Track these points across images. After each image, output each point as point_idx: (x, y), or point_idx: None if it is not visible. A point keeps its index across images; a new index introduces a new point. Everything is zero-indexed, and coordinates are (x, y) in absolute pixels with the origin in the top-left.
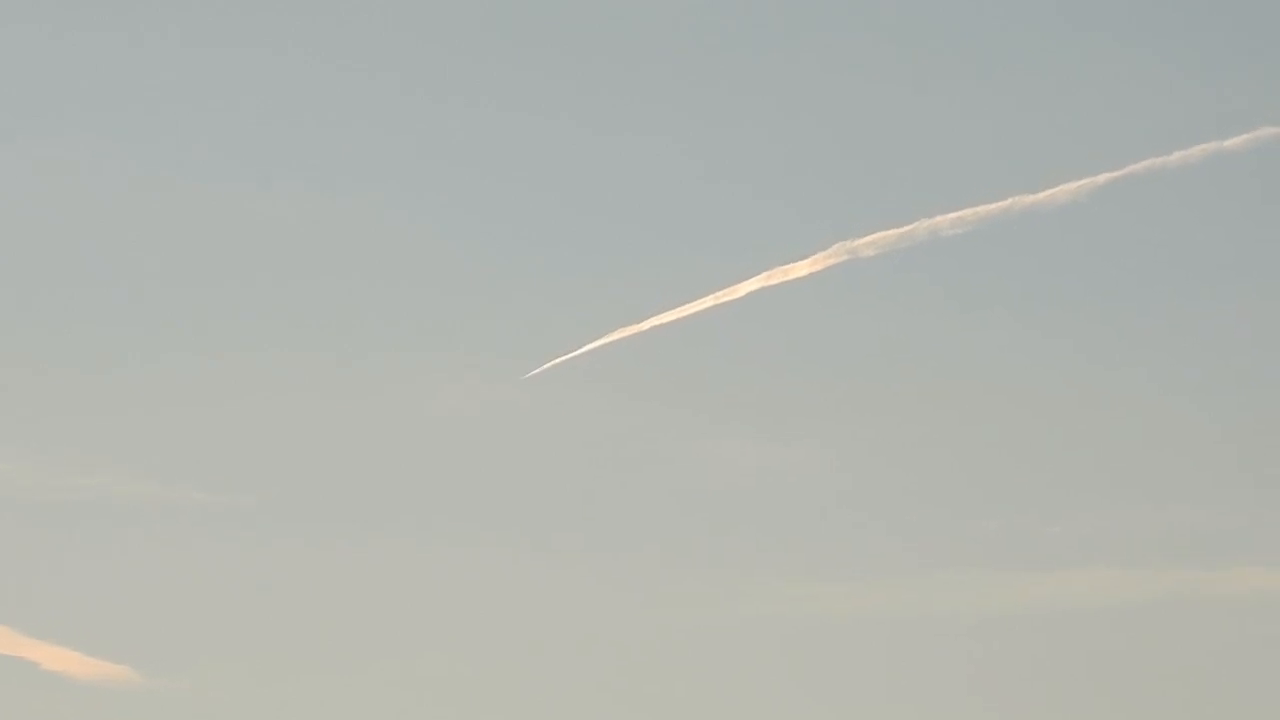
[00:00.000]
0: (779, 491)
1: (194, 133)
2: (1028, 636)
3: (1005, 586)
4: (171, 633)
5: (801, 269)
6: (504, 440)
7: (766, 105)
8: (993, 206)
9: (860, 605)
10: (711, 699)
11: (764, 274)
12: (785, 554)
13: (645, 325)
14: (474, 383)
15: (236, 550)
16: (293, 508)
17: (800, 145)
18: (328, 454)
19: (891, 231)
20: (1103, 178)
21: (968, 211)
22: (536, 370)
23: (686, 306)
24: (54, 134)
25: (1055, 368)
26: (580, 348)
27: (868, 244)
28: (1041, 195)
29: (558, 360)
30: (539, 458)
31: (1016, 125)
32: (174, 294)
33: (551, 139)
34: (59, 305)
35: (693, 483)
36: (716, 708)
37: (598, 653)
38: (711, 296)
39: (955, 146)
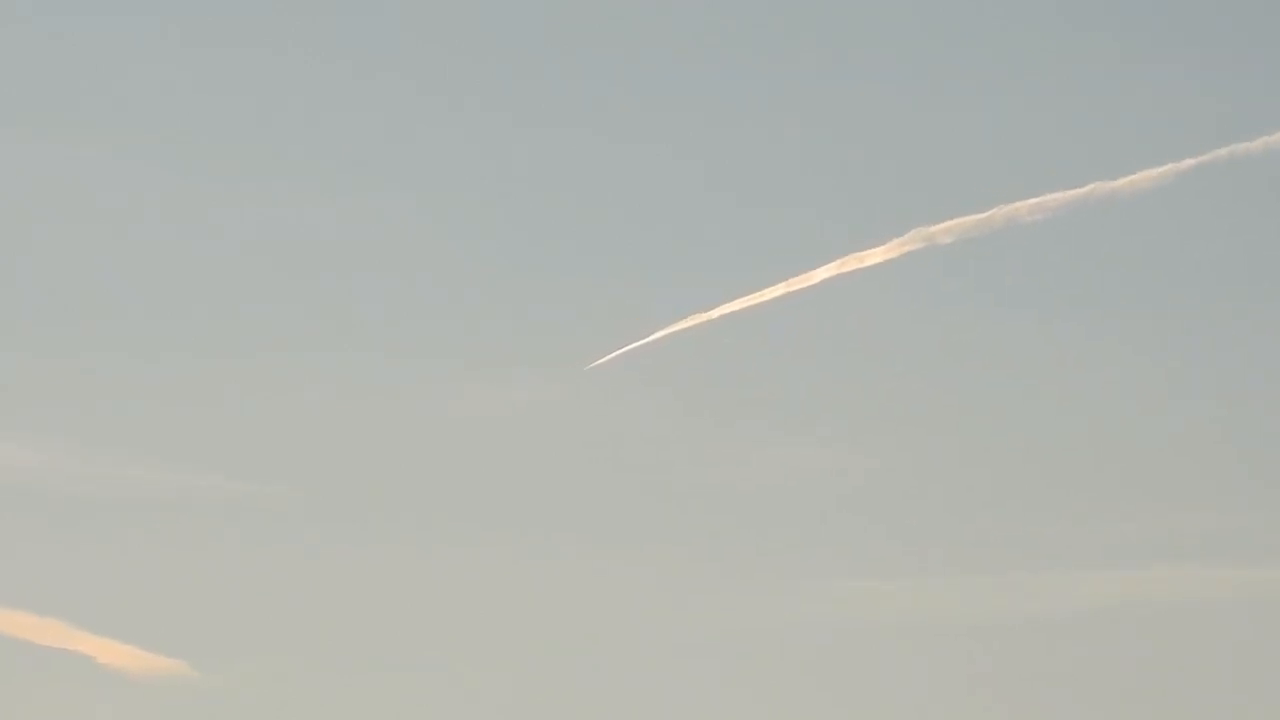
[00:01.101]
0: (839, 495)
1: (219, 132)
2: (1065, 638)
3: (1053, 587)
4: (223, 627)
5: (877, 255)
6: (543, 440)
7: (841, 89)
8: (1071, 193)
9: (908, 606)
10: (747, 700)
11: (839, 260)
12: (837, 556)
13: (715, 314)
14: (511, 381)
15: (281, 545)
16: (334, 504)
17: (878, 130)
18: (367, 451)
19: (968, 218)
20: (1186, 163)
21: (1048, 198)
22: (593, 364)
23: (756, 295)
24: (59, 131)
25: (1128, 365)
26: (643, 339)
27: (945, 230)
28: (1122, 182)
29: (619, 351)
30: (582, 458)
31: (1097, 109)
32: (207, 292)
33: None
34: (99, 301)
35: (740, 486)
36: (752, 708)
37: (630, 654)
38: (783, 284)
39: (1036, 131)
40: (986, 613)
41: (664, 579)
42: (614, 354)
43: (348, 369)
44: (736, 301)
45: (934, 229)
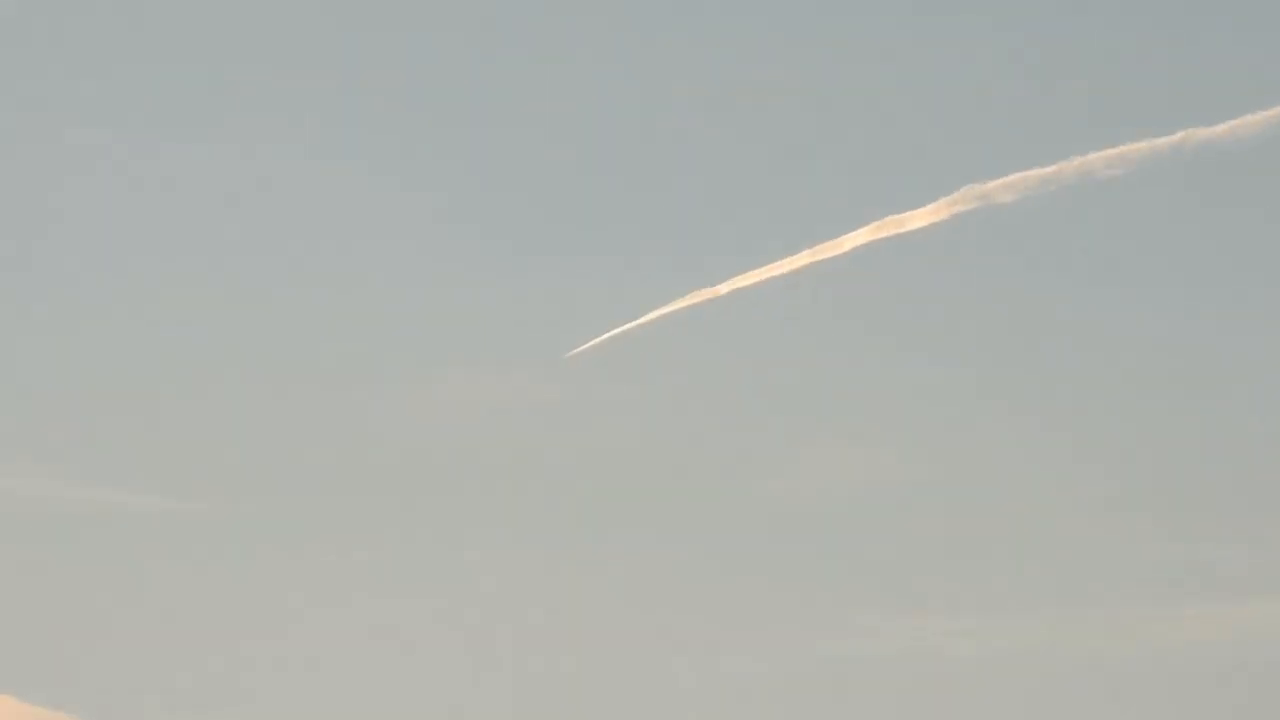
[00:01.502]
0: (891, 510)
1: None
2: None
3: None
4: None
5: (919, 219)
6: (535, 438)
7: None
8: (1159, 142)
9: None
10: None
11: (874, 224)
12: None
13: (722, 289)
14: (500, 371)
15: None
16: (305, 506)
17: (917, 69)
18: (345, 450)
19: (1033, 172)
20: None
21: (1126, 148)
22: (576, 350)
23: (773, 266)
24: None
25: (1242, 349)
26: (639, 318)
27: (1003, 188)
28: (1220, 128)
29: (608, 335)
30: (577, 456)
31: (1187, 45)
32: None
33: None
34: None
35: (771, 496)
36: None
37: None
38: (806, 253)
39: (1112, 72)
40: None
41: (693, 616)
42: (600, 338)
43: (327, 362)
44: (749, 274)
45: (990, 186)
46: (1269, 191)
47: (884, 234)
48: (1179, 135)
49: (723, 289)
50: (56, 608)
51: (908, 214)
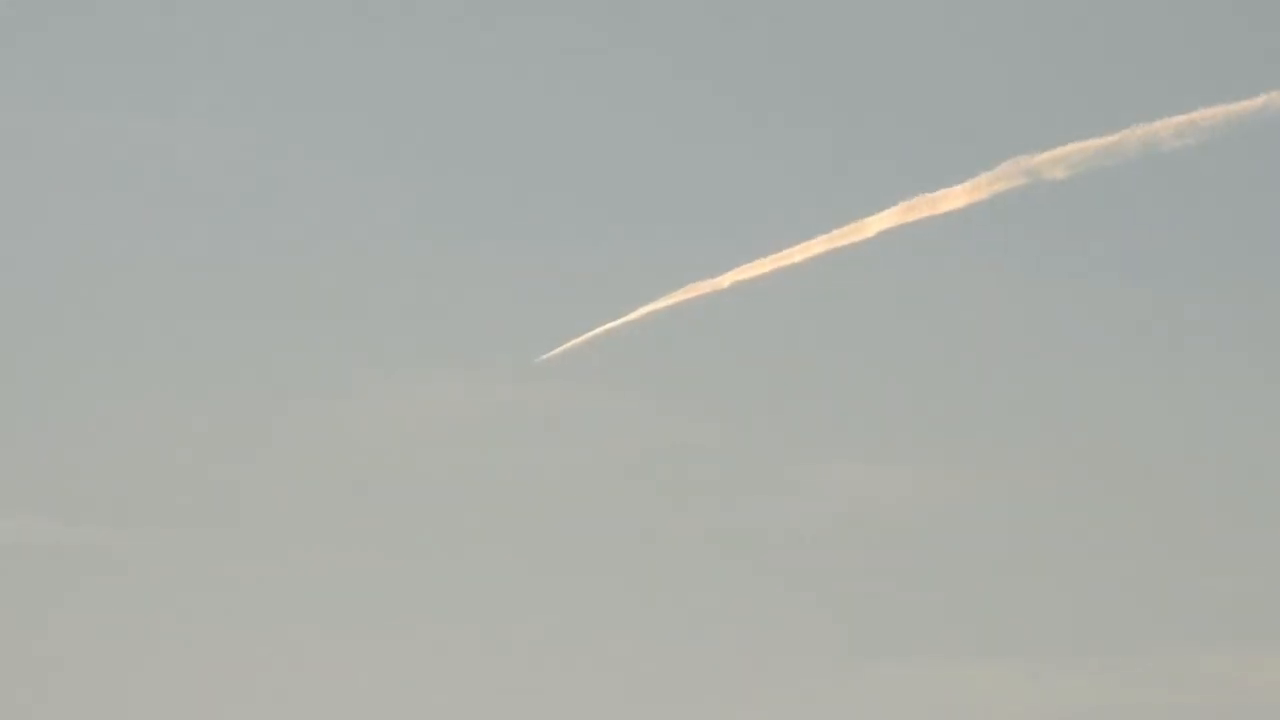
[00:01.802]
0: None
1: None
2: None
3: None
4: None
5: (955, 198)
6: (506, 451)
7: None
8: (1234, 108)
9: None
10: None
11: (903, 205)
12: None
13: (724, 281)
14: (468, 374)
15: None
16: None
17: (950, 22)
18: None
19: (1089, 143)
20: None
21: (1199, 115)
22: (552, 352)
23: (784, 255)
24: None
25: None
26: (626, 315)
27: (1053, 161)
28: None
29: (590, 334)
30: (554, 471)
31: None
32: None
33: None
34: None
35: (783, 518)
36: None
37: None
38: (823, 238)
39: (1181, 27)
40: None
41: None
42: (580, 338)
43: (278, 366)
44: (755, 264)
45: (1039, 159)
46: None
47: (914, 216)
48: (1259, 100)
49: (724, 281)
50: None
51: (942, 192)
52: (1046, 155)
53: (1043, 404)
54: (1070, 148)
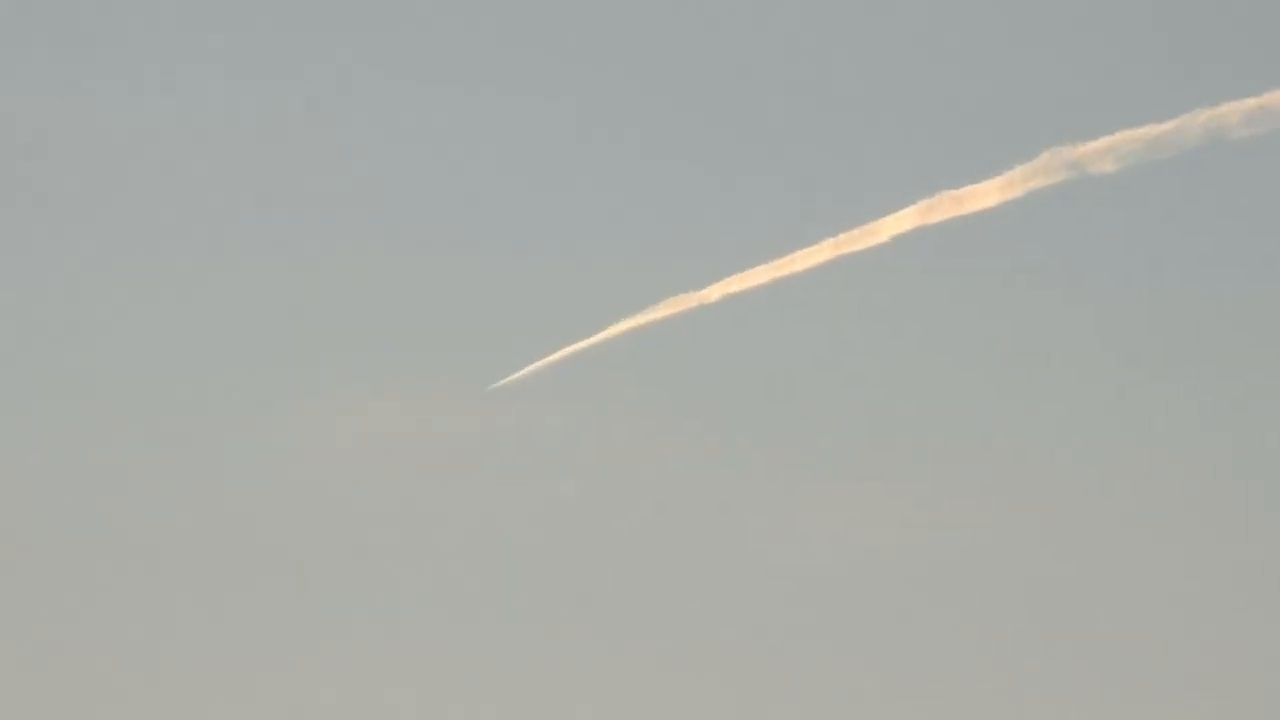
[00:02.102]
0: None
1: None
2: None
3: None
4: None
5: (984, 195)
6: (454, 490)
7: None
8: None
9: None
10: None
11: (920, 205)
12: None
13: (709, 295)
14: (411, 402)
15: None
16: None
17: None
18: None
19: (1142, 131)
20: None
21: (1270, 98)
22: (508, 377)
23: (781, 264)
24: None
25: None
26: (594, 334)
27: (1102, 152)
28: None
29: (553, 357)
30: (510, 514)
31: None
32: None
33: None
34: None
35: (765, 566)
36: None
37: None
38: (828, 243)
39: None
40: None
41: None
42: (542, 361)
43: (192, 390)
44: (747, 274)
45: (1083, 149)
46: None
47: (935, 217)
48: None
49: (710, 294)
50: None
51: (968, 189)
52: (1092, 145)
53: (1088, 434)
54: (1120, 136)
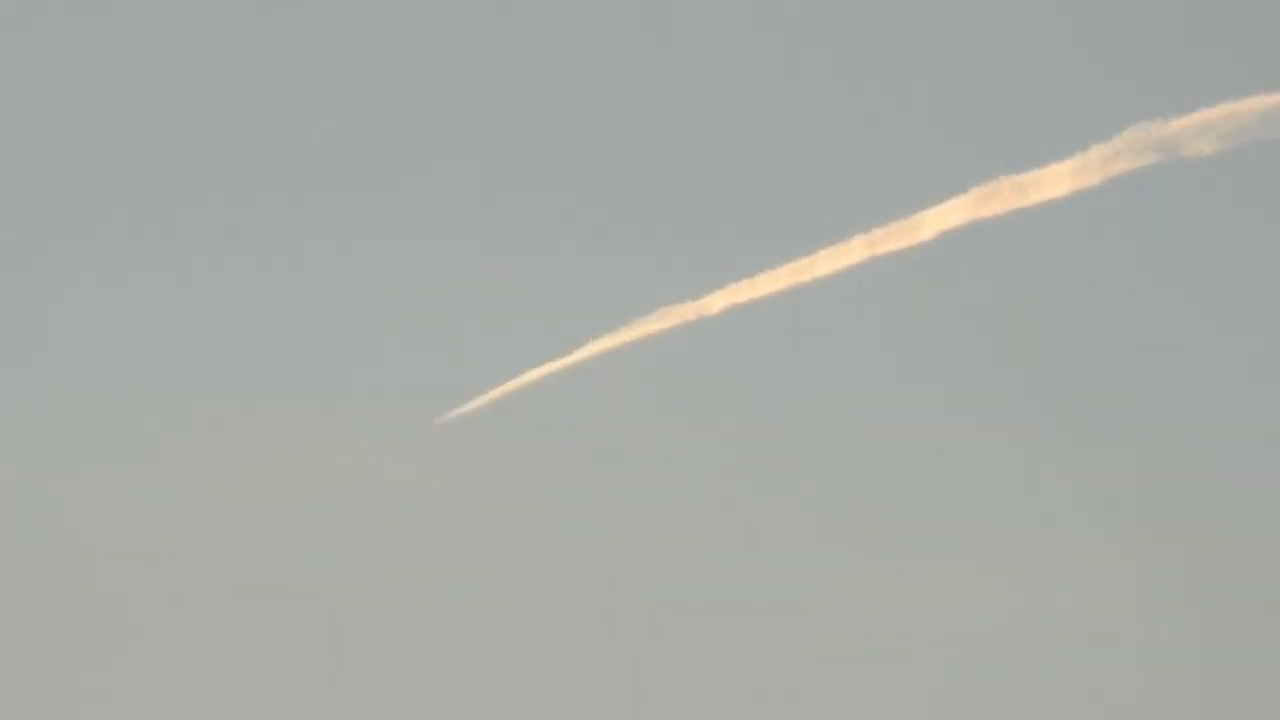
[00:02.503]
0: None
1: None
2: None
3: None
4: None
5: (1051, 182)
6: (402, 544)
7: None
8: None
9: None
10: None
11: (972, 194)
12: None
13: (709, 305)
14: (353, 442)
15: None
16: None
17: None
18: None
19: (1244, 105)
20: None
21: None
22: (459, 409)
23: (794, 269)
24: None
25: None
26: (571, 353)
27: (1195, 130)
28: None
29: (514, 384)
30: (466, 575)
31: None
32: None
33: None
34: None
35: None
36: None
37: None
38: (859, 240)
39: None
40: None
41: None
42: (501, 389)
43: (119, 434)
44: (758, 280)
45: (1172, 127)
46: None
47: (993, 209)
48: None
49: (711, 304)
50: None
51: (1033, 174)
52: (1182, 122)
53: (1179, 479)
54: (1219, 110)
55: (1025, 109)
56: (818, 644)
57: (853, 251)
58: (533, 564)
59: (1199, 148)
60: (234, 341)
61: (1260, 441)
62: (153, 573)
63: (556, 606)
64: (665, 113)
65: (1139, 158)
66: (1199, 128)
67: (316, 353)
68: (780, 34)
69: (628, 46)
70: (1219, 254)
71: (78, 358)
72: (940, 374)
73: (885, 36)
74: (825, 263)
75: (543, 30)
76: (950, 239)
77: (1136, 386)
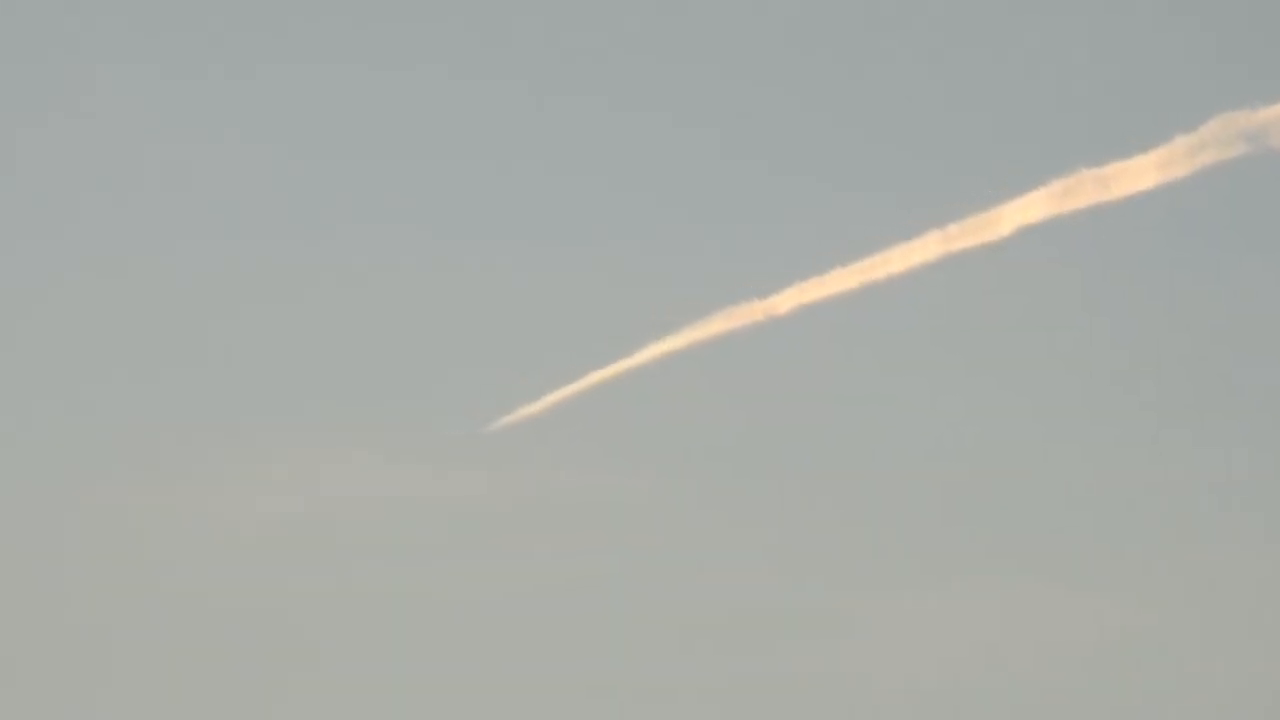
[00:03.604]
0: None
1: None
2: None
3: None
4: None
5: (1137, 174)
6: (448, 561)
7: None
8: None
9: None
10: None
11: (1053, 186)
12: None
13: (778, 304)
14: (392, 451)
15: None
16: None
17: None
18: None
19: None
20: None
21: None
22: (512, 416)
23: (857, 268)
24: None
25: None
26: (610, 366)
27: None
28: None
29: (570, 390)
30: (517, 591)
31: None
32: None
33: None
34: None
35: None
36: None
37: None
38: (936, 236)
39: None
40: None
41: None
42: (557, 394)
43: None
44: (827, 278)
45: (1264, 115)
46: None
47: (1073, 203)
48: None
49: (779, 304)
50: None
51: (1116, 166)
52: (1275, 110)
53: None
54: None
55: (1107, 100)
56: (872, 661)
57: (928, 247)
58: (586, 578)
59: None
60: (244, 348)
61: None
62: (160, 585)
63: (588, 620)
64: (728, 105)
65: (1226, 148)
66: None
67: (353, 359)
68: (854, 25)
69: (691, 38)
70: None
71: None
72: (1019, 366)
73: (960, 28)
74: (898, 260)
75: (602, 24)
76: (1029, 235)
77: (1219, 386)
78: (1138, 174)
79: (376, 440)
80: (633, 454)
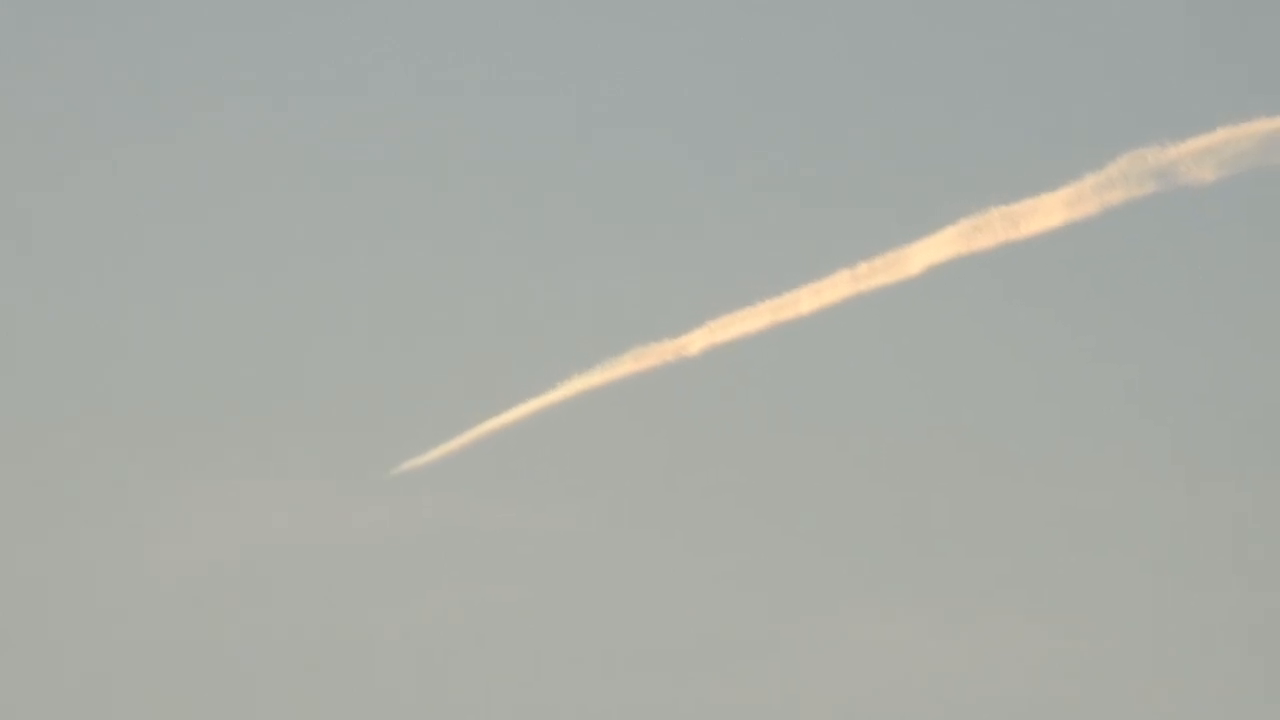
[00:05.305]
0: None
1: None
2: None
3: None
4: None
5: (1045, 213)
6: (354, 609)
7: None
8: None
9: None
10: None
11: (961, 225)
12: None
13: (687, 345)
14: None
15: None
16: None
17: None
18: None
19: (1246, 128)
20: None
21: None
22: (418, 459)
23: (760, 308)
24: None
25: None
26: (526, 403)
27: (1197, 155)
28: None
29: (476, 432)
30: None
31: None
32: None
33: None
34: None
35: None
36: None
37: None
38: (842, 275)
39: None
40: None
41: None
42: (462, 438)
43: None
44: (733, 318)
45: (1175, 152)
46: None
47: (981, 242)
48: None
49: (689, 344)
50: None
51: (1025, 204)
52: (1187, 146)
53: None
54: (1221, 135)
55: (1015, 136)
56: (804, 688)
57: (834, 287)
58: (514, 616)
59: (1199, 174)
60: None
61: None
62: (99, 637)
63: (543, 656)
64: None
65: (1136, 186)
66: (1198, 152)
67: (273, 381)
68: (752, 60)
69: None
70: (1223, 289)
71: None
72: (931, 406)
73: (864, 67)
74: (804, 300)
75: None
76: (938, 274)
77: (1130, 425)
78: (1046, 212)
79: (283, 482)
80: (553, 489)
